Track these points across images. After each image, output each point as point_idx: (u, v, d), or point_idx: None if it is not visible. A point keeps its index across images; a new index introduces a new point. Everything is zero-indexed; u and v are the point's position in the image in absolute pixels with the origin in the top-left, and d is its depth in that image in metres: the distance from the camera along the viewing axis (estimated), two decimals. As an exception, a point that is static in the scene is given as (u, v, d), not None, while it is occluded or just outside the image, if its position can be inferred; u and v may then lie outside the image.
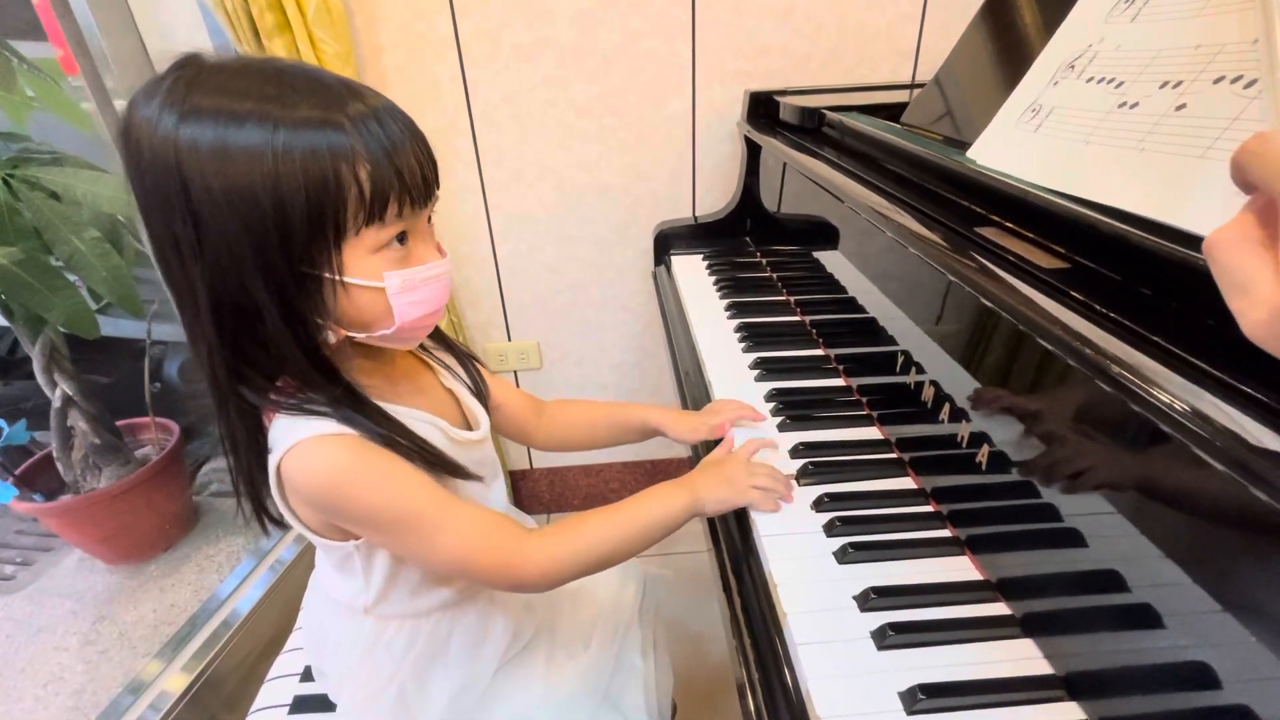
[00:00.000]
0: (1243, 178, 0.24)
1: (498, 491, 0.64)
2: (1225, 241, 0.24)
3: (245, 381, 0.47)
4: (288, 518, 0.52)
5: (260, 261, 0.43)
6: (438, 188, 0.49)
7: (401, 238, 0.47)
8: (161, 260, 0.45)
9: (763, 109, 1.11)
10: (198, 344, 0.46)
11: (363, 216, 0.44)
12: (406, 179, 0.45)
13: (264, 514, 0.54)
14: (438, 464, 0.53)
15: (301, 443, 0.47)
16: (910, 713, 0.41)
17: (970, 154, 0.60)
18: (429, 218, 0.50)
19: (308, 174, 0.42)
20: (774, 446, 0.66)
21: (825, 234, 0.87)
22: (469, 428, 0.61)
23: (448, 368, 0.63)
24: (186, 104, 0.41)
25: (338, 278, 0.45)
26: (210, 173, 0.41)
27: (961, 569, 0.52)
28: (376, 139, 0.43)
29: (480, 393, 0.64)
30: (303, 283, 0.45)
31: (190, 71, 0.43)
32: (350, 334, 0.49)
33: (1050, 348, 0.42)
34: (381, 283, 0.46)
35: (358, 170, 0.43)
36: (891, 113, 0.86)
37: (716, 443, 0.70)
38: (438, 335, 0.64)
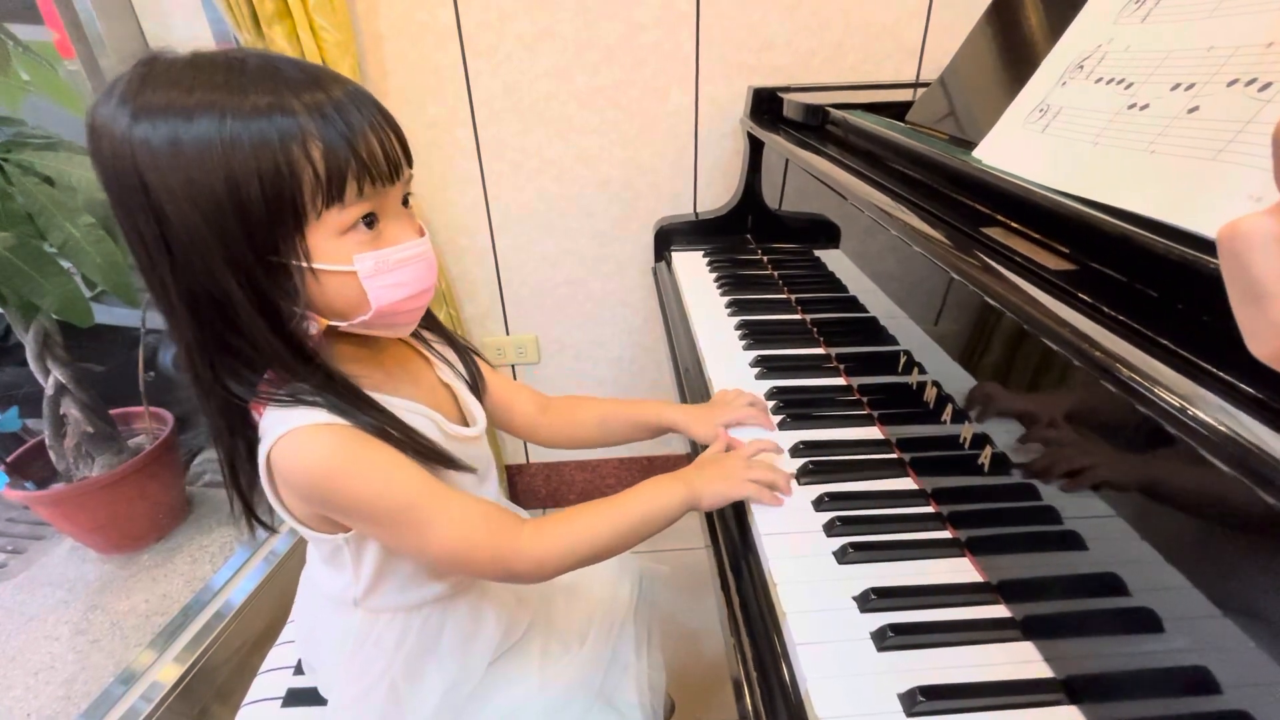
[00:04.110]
0: None
1: (490, 487, 0.63)
2: (1252, 235, 0.19)
3: (231, 374, 0.47)
4: (277, 509, 0.51)
5: (226, 253, 0.42)
6: (409, 166, 0.48)
7: (370, 220, 0.46)
8: (137, 259, 0.44)
9: (766, 105, 1.11)
10: (180, 341, 0.46)
11: (321, 199, 0.43)
12: (364, 157, 0.44)
13: (253, 517, 0.53)
14: (430, 456, 0.52)
15: (291, 432, 0.46)
16: (910, 714, 0.41)
17: (976, 153, 0.59)
18: (405, 199, 0.49)
19: (259, 160, 0.41)
20: (779, 451, 0.65)
21: (827, 232, 0.86)
22: (465, 424, 0.60)
23: (447, 362, 0.62)
24: (138, 101, 0.41)
25: (306, 264, 0.44)
26: (166, 168, 0.41)
27: (962, 571, 0.52)
28: (330, 121, 0.43)
29: (475, 388, 0.64)
30: (273, 272, 0.44)
31: (144, 69, 0.42)
32: (332, 323, 0.48)
33: (1057, 349, 0.41)
34: (352, 266, 0.45)
35: (310, 152, 0.42)
36: (896, 111, 0.85)
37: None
38: (438, 327, 0.63)
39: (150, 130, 0.41)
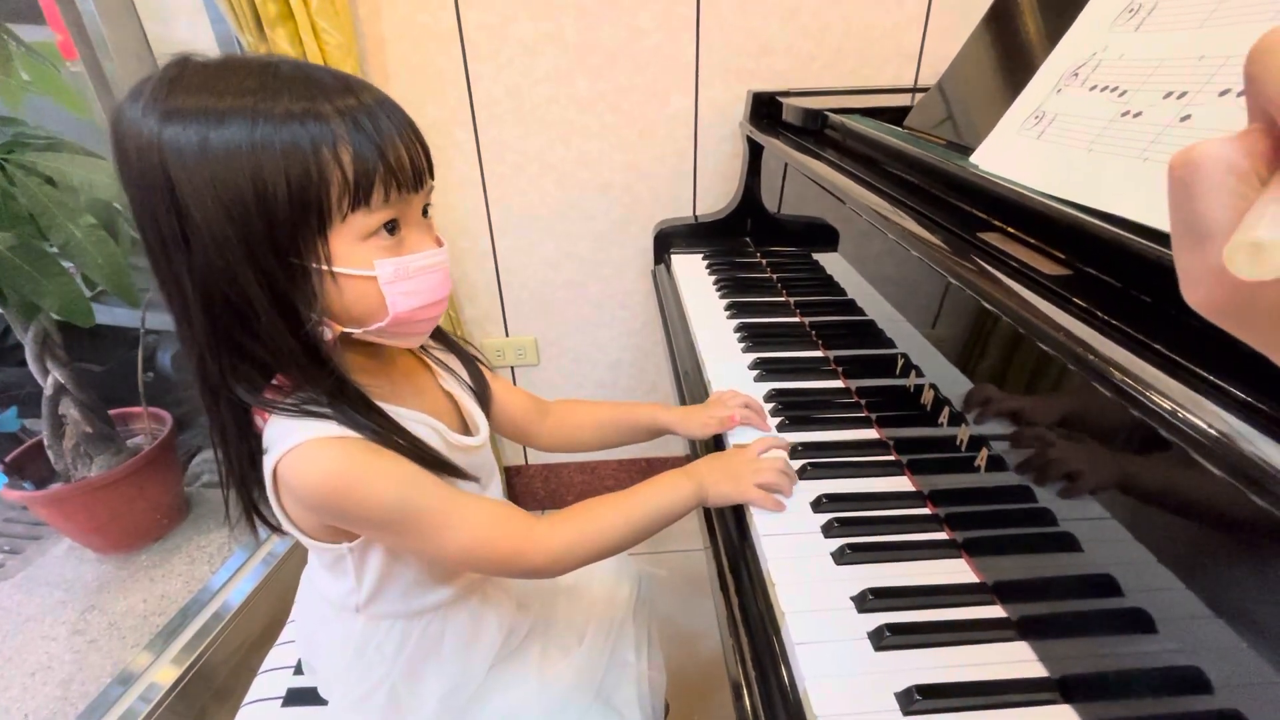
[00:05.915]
0: (1256, 92, 0.16)
1: (494, 492, 0.63)
2: (1204, 164, 0.16)
3: (240, 378, 0.47)
4: (280, 519, 0.51)
5: (248, 254, 0.42)
6: (431, 178, 0.49)
7: (393, 227, 0.46)
8: (153, 259, 0.45)
9: (766, 109, 1.12)
10: (188, 343, 0.46)
11: (348, 201, 0.43)
12: (392, 163, 0.44)
13: (256, 515, 0.53)
14: (435, 465, 0.52)
15: (301, 445, 0.46)
16: (907, 713, 0.42)
17: (973, 159, 0.60)
18: (425, 210, 0.50)
19: (289, 162, 0.41)
20: (787, 447, 0.66)
21: (826, 236, 0.87)
22: (468, 432, 0.61)
23: (449, 370, 0.62)
24: (169, 103, 0.41)
25: (327, 268, 0.44)
26: (194, 169, 0.41)
27: (958, 571, 0.52)
28: (361, 127, 0.43)
29: (482, 396, 0.64)
30: (293, 275, 0.44)
31: (174, 71, 0.43)
32: (346, 330, 0.48)
33: (1052, 352, 0.42)
34: (372, 271, 0.45)
35: (340, 155, 0.42)
36: (894, 116, 0.86)
37: (720, 440, 0.70)
38: (439, 335, 0.63)
39: (180, 131, 0.41)
